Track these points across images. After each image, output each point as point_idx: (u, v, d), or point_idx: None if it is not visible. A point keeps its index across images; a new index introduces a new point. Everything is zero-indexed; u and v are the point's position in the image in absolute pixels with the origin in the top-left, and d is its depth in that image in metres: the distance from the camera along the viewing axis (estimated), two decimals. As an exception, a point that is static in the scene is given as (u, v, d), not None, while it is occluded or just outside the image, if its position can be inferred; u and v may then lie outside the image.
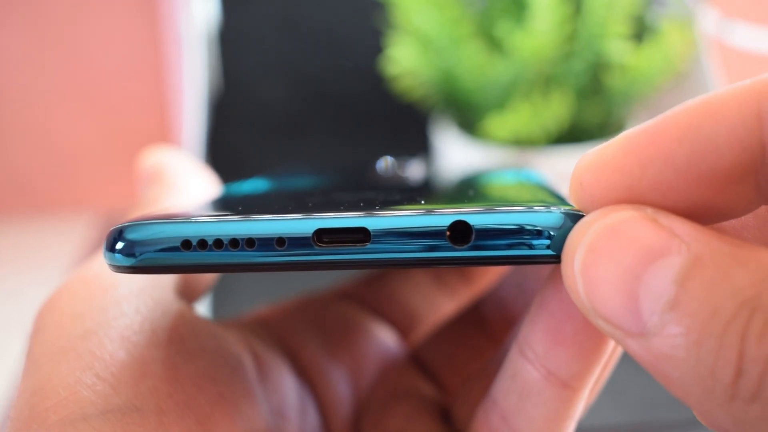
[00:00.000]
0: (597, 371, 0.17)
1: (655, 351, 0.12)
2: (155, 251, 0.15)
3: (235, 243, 0.15)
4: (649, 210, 0.13)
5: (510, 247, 0.15)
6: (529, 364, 0.16)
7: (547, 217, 0.14)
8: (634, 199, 0.13)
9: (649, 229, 0.13)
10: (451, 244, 0.15)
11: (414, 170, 0.29)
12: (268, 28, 0.67)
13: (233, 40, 0.67)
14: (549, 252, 0.14)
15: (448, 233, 0.15)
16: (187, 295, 0.20)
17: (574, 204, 0.15)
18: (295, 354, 0.22)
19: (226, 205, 0.19)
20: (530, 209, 0.15)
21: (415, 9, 0.49)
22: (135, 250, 0.15)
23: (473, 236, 0.15)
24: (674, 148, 0.13)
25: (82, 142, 1.15)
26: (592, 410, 0.43)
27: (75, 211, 1.13)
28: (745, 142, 0.13)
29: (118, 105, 1.14)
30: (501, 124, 0.48)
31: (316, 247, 0.15)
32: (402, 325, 0.24)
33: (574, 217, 0.14)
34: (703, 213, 0.13)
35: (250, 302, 0.25)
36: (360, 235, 0.15)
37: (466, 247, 0.15)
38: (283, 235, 0.15)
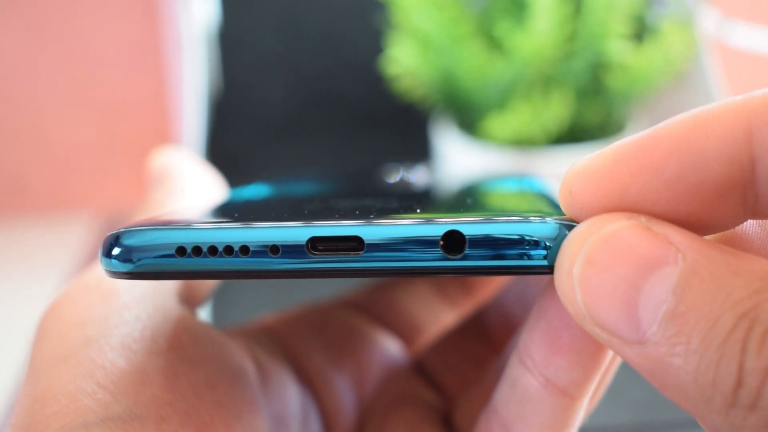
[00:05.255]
0: (595, 379, 0.16)
1: (654, 358, 0.12)
2: (151, 257, 0.15)
3: (229, 250, 0.15)
4: (643, 218, 0.13)
5: (503, 257, 0.14)
6: (527, 373, 0.16)
7: (540, 228, 0.14)
8: (623, 208, 0.14)
9: (644, 238, 0.13)
10: (444, 254, 0.15)
11: (419, 176, 0.29)
12: (268, 28, 0.67)
13: (233, 40, 0.67)
14: (544, 263, 0.14)
15: (441, 243, 0.15)
16: (190, 301, 0.20)
17: (564, 210, 0.15)
18: (298, 362, 0.22)
19: (225, 210, 0.19)
20: (525, 219, 0.14)
21: (415, 9, 0.49)
22: (131, 256, 0.15)
23: (466, 246, 0.14)
24: (664, 159, 0.13)
25: (82, 142, 1.15)
26: (592, 410, 0.42)
27: (74, 211, 1.13)
28: (735, 157, 0.13)
29: (118, 105, 1.14)
30: (501, 124, 0.48)
31: (310, 255, 0.15)
32: (405, 334, 0.24)
33: (569, 228, 0.14)
34: (690, 225, 0.13)
35: (250, 310, 0.25)
36: (354, 243, 0.15)
37: (459, 257, 0.14)
38: (277, 243, 0.15)
